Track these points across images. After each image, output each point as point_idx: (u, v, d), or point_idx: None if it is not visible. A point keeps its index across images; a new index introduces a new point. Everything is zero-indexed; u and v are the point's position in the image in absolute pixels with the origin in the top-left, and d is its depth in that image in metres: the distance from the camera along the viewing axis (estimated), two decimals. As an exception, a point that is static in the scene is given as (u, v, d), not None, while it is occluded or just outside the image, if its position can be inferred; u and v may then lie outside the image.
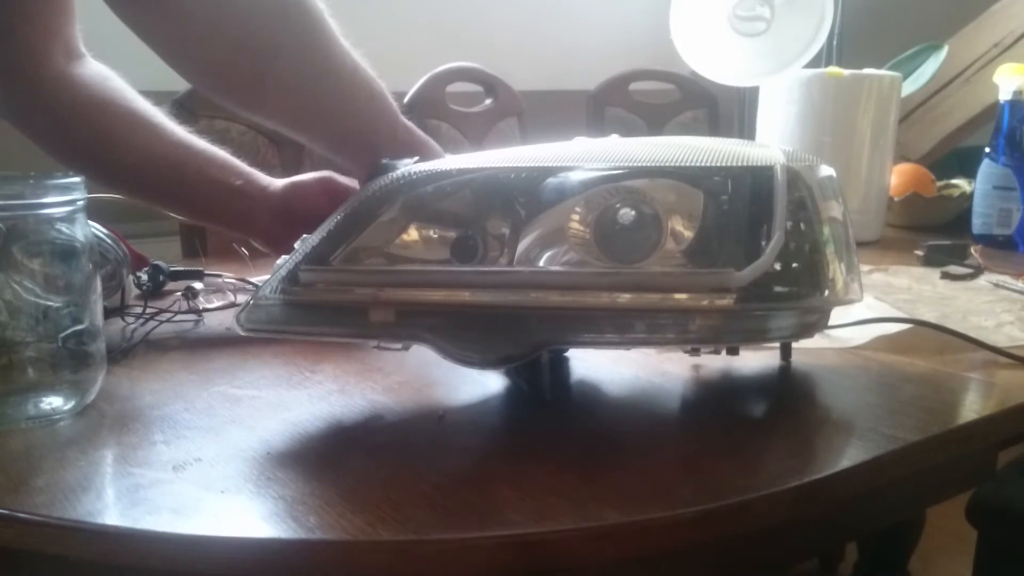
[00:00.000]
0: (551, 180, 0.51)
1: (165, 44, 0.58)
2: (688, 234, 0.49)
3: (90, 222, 0.55)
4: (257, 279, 0.80)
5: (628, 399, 0.57)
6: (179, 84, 0.71)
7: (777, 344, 0.62)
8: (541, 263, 0.50)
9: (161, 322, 0.71)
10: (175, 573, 0.41)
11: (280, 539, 0.39)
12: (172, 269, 0.81)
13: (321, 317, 0.52)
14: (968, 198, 1.20)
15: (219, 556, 0.39)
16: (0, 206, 0.49)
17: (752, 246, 0.49)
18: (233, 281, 0.82)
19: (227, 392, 0.56)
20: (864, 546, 1.44)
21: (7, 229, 0.49)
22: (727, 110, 1.80)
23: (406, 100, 1.41)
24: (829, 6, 1.10)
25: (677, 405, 0.57)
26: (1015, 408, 0.55)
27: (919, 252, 1.00)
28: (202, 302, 0.78)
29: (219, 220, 0.78)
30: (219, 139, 0.79)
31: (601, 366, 0.61)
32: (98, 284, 0.54)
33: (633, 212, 0.49)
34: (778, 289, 0.51)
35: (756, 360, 0.62)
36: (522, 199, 0.51)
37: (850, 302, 0.56)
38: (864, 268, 0.89)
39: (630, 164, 0.51)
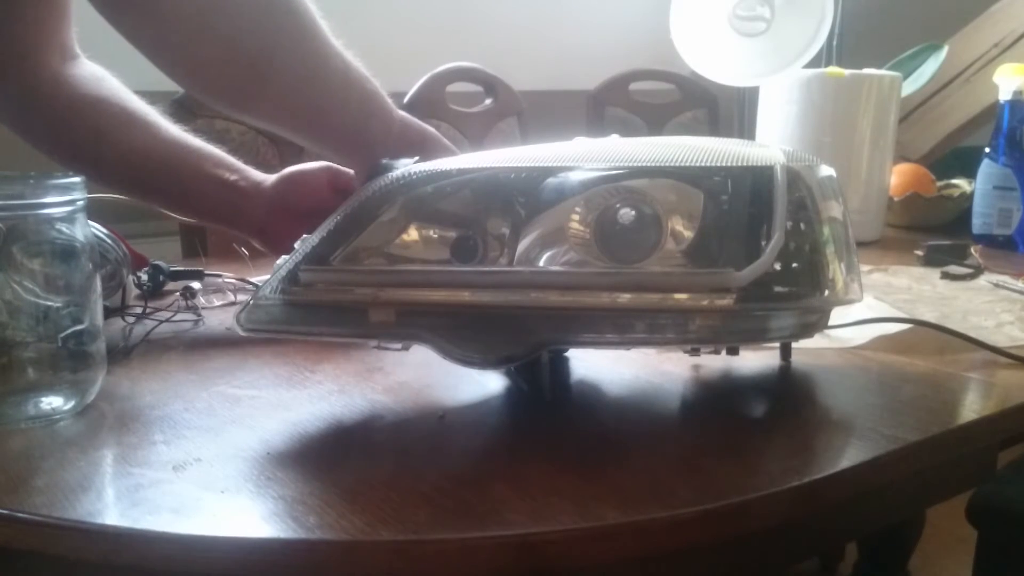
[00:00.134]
0: (551, 180, 0.51)
1: (152, 47, 0.57)
2: (688, 234, 0.49)
3: (90, 222, 0.55)
4: (257, 279, 0.80)
5: (628, 399, 0.57)
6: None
7: (777, 344, 0.62)
8: (541, 263, 0.50)
9: (161, 322, 0.71)
10: (175, 573, 0.41)
11: (280, 539, 0.39)
12: (172, 269, 0.82)
13: (321, 317, 0.52)
14: (968, 198, 1.20)
15: (219, 556, 0.39)
16: (0, 206, 0.49)
17: (752, 246, 0.49)
18: (233, 281, 0.82)
19: (227, 392, 0.56)
20: (864, 546, 1.44)
21: (7, 229, 0.49)
22: (727, 110, 1.80)
23: (406, 100, 1.41)
24: (829, 6, 1.10)
25: (677, 405, 0.57)
26: (1015, 408, 0.55)
27: (919, 252, 1.00)
28: (202, 302, 0.78)
29: (214, 216, 0.78)
30: (219, 139, 0.79)
31: (601, 366, 0.61)
32: (98, 284, 0.54)
33: (633, 212, 0.49)
34: (778, 289, 0.51)
35: (756, 360, 0.62)
36: (522, 199, 0.51)
37: (850, 302, 0.56)
38: (864, 268, 0.89)
39: (630, 164, 0.51)
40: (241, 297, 0.79)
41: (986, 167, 1.13)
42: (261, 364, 0.62)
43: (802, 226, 0.52)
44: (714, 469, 0.45)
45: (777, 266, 0.50)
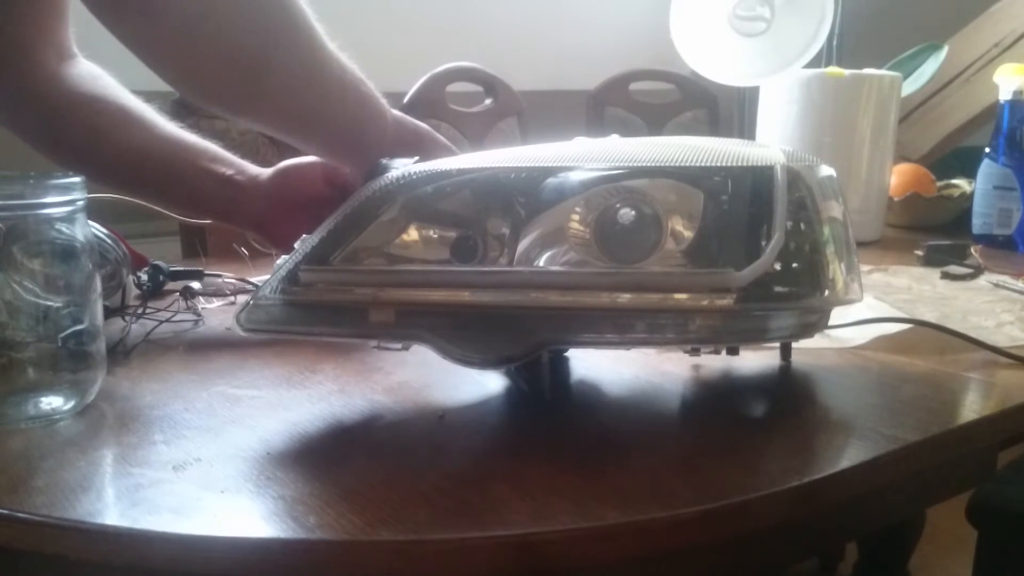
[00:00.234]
0: (551, 180, 0.51)
1: (150, 52, 0.57)
2: (688, 234, 0.49)
3: (90, 222, 0.55)
4: (257, 279, 0.80)
5: (628, 399, 0.57)
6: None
7: (777, 344, 0.62)
8: (541, 263, 0.50)
9: (161, 322, 0.71)
10: (175, 573, 0.41)
11: (280, 539, 0.39)
12: (172, 269, 0.81)
13: (321, 317, 0.52)
14: (968, 198, 1.20)
15: (219, 556, 0.39)
16: (0, 206, 0.49)
17: (752, 246, 0.49)
18: (233, 281, 0.82)
19: (227, 392, 0.56)
20: (864, 546, 1.44)
21: (7, 229, 0.49)
22: (727, 110, 1.80)
23: (406, 100, 1.41)
24: (829, 6, 1.10)
25: (677, 405, 0.57)
26: (1015, 408, 0.55)
27: (919, 252, 1.00)
28: (202, 302, 0.78)
29: (212, 211, 0.79)
30: (219, 138, 0.79)
31: (601, 366, 0.61)
32: (98, 284, 0.54)
33: (633, 212, 0.49)
34: (778, 289, 0.51)
35: (756, 360, 0.62)
36: (522, 199, 0.51)
37: (850, 302, 0.56)
38: (864, 268, 0.89)
39: (630, 164, 0.51)
40: (241, 297, 0.79)
41: (986, 167, 1.13)
42: (261, 364, 0.62)
43: (802, 226, 0.52)
44: (714, 469, 0.45)
45: (777, 266, 0.50)
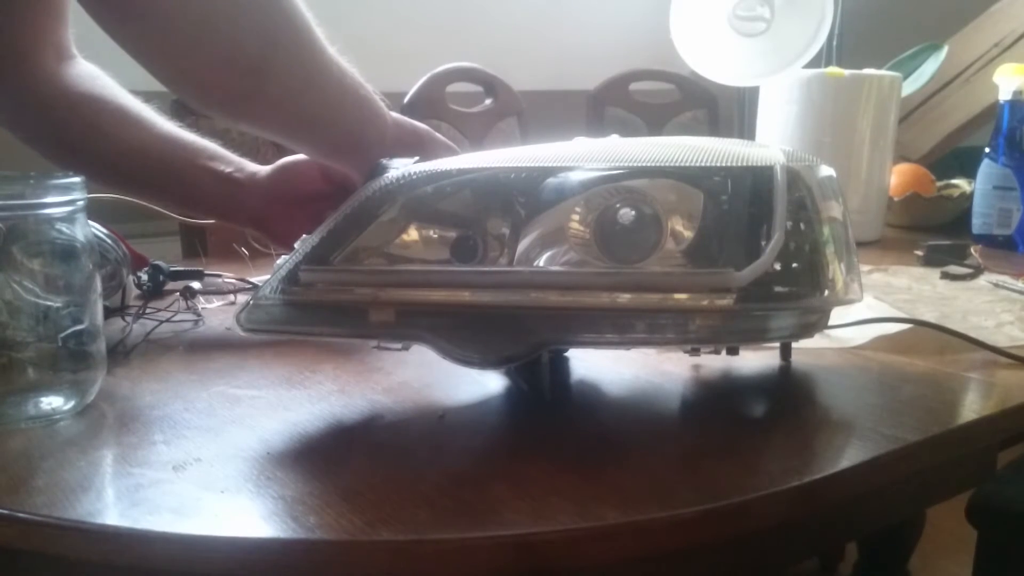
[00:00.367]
0: (551, 180, 0.51)
1: (150, 56, 0.56)
2: (688, 234, 0.49)
3: (90, 222, 0.55)
4: (257, 279, 0.80)
5: (628, 399, 0.57)
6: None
7: (777, 344, 0.62)
8: (541, 263, 0.50)
9: (161, 322, 0.71)
10: (175, 573, 0.41)
11: (280, 539, 0.39)
12: (172, 269, 0.81)
13: (321, 317, 0.52)
14: (968, 198, 1.20)
15: (219, 556, 0.39)
16: (0, 206, 0.49)
17: (752, 246, 0.49)
18: (233, 281, 0.82)
19: (227, 392, 0.56)
20: (864, 546, 1.44)
21: (7, 229, 0.49)
22: (727, 110, 1.80)
23: (406, 100, 1.41)
24: (829, 6, 1.10)
25: (677, 405, 0.57)
26: (1015, 408, 0.55)
27: (919, 252, 1.00)
28: (202, 302, 0.78)
29: (212, 209, 0.79)
30: (219, 138, 0.79)
31: (601, 366, 0.61)
32: (98, 284, 0.54)
33: (633, 212, 0.49)
34: (778, 289, 0.51)
35: (756, 360, 0.62)
36: (522, 199, 0.51)
37: (850, 302, 0.56)
38: (864, 268, 0.89)
39: (630, 164, 0.51)
40: (241, 297, 0.79)
41: (986, 167, 1.13)
42: (261, 364, 0.62)
43: (802, 226, 0.52)
44: (714, 469, 0.45)
45: (777, 266, 0.50)
